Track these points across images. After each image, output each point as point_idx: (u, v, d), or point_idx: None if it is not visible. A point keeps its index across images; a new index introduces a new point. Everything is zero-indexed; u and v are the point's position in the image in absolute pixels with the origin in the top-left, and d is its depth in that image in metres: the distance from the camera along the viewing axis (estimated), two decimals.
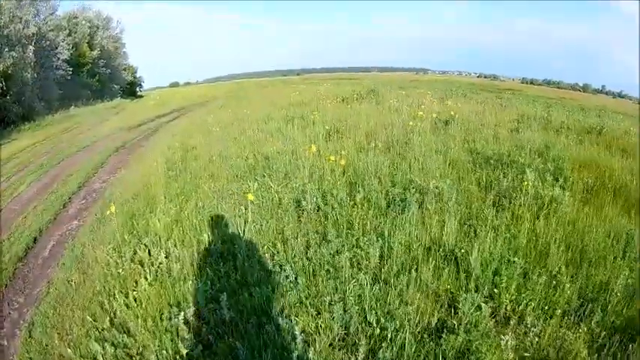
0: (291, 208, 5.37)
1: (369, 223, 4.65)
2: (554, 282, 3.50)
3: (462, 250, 3.96)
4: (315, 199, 5.32)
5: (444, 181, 5.42)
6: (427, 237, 4.33)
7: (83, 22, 37.20)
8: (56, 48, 29.75)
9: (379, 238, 4.21)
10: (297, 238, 4.50)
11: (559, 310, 3.23)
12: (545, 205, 4.94)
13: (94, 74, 38.51)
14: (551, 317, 3.19)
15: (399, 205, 4.98)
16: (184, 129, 15.12)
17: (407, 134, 8.55)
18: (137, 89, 54.23)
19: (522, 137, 8.88)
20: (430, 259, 3.87)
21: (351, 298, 3.41)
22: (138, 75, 54.78)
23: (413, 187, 5.35)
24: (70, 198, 8.68)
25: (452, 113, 10.73)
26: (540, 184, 5.43)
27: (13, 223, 7.29)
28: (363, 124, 9.75)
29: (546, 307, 3.28)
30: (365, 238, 4.22)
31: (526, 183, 5.25)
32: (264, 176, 6.58)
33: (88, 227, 6.77)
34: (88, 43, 37.52)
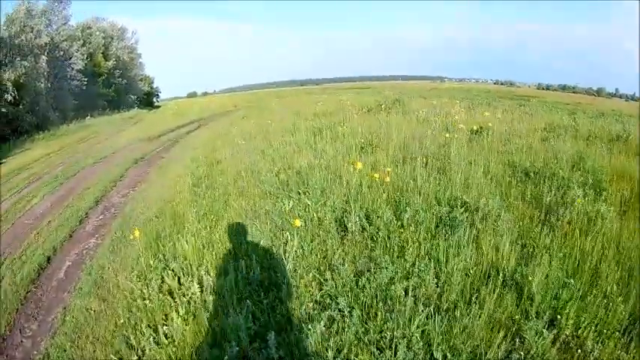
0: (333, 229, 4.82)
1: (421, 246, 4.17)
2: (609, 302, 3.31)
3: (522, 274, 3.69)
4: (359, 219, 4.78)
5: (493, 198, 5.09)
6: (484, 260, 3.97)
7: (97, 32, 37.27)
8: (70, 58, 29.76)
9: (434, 263, 3.84)
10: (344, 264, 3.99)
11: (616, 333, 3.09)
12: (592, 221, 4.69)
13: (110, 85, 38.54)
14: (608, 339, 3.03)
15: (448, 225, 4.55)
16: (207, 141, 14.64)
17: (443, 146, 8.19)
18: (154, 99, 54.22)
19: (555, 147, 8.47)
20: (490, 284, 3.56)
21: (415, 333, 3.04)
22: (155, 85, 54.76)
23: (460, 205, 4.98)
24: (86, 213, 8.08)
25: (487, 124, 10.09)
26: (584, 198, 5.22)
27: (26, 239, 6.75)
28: (396, 136, 9.23)
29: (603, 329, 3.12)
30: (421, 264, 3.80)
31: (579, 200, 5.04)
32: (299, 193, 6.00)
33: (108, 247, 6.20)
34: (102, 53, 37.56)
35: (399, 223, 4.64)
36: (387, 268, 3.77)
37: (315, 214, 5.19)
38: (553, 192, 5.47)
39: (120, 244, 6.19)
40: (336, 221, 4.97)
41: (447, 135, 8.55)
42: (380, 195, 5.48)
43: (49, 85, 26.08)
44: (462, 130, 9.37)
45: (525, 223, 4.73)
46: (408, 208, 4.87)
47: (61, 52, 28.59)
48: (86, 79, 31.18)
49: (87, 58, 32.28)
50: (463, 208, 4.87)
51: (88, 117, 28.46)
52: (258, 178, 7.26)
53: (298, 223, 4.35)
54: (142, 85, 48.47)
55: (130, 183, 10.43)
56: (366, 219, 4.82)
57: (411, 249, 4.11)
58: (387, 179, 5.47)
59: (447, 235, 4.38)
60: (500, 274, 3.68)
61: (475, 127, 9.95)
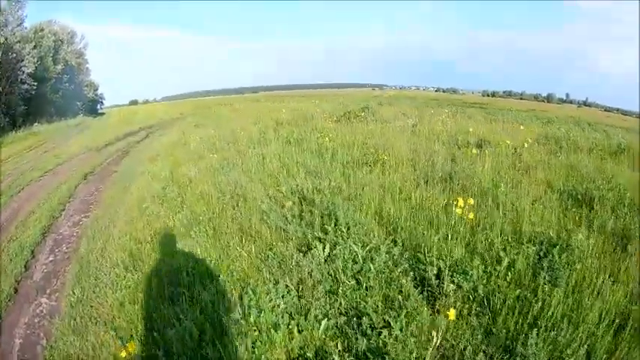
0: (413, 291, 3.37)
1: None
2: None
3: None
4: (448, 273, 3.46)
5: (576, 232, 4.26)
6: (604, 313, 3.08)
7: (49, 34, 34.04)
8: (22, 61, 26.72)
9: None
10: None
11: None
12: None
13: (57, 90, 35.31)
14: None
15: (545, 272, 3.57)
16: (163, 152, 12.62)
17: (458, 162, 7.47)
18: (98, 106, 51.05)
19: (574, 163, 7.91)
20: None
21: None
22: (99, 92, 51.57)
23: (546, 242, 4.03)
24: (32, 252, 6.04)
25: (484, 135, 10.10)
26: None
27: None
28: (396, 150, 8.24)
29: None
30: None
31: None
32: (326, 232, 4.34)
33: (67, 317, 4.20)
34: (52, 57, 34.38)
35: (495, 273, 3.58)
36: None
37: (371, 266, 3.63)
38: (619, 217, 4.99)
39: (80, 307, 4.27)
40: (413, 279, 3.58)
41: (473, 151, 7.78)
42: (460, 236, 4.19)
43: (0, 89, 23.52)
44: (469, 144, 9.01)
45: (610, 257, 4.05)
46: (503, 253, 3.79)
47: (14, 54, 25.65)
48: (36, 84, 28.33)
49: (37, 61, 29.26)
50: (545, 244, 3.98)
51: (36, 123, 25.88)
52: (256, 206, 5.54)
53: (452, 315, 2.62)
54: (87, 92, 45.28)
55: (81, 206, 8.46)
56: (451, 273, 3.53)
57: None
58: (471, 216, 4.07)
59: (546, 285, 3.44)
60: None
61: (469, 138, 9.75)
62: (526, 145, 9.22)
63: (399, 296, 3.28)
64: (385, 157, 7.52)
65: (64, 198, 8.89)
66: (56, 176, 11.17)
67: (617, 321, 3.04)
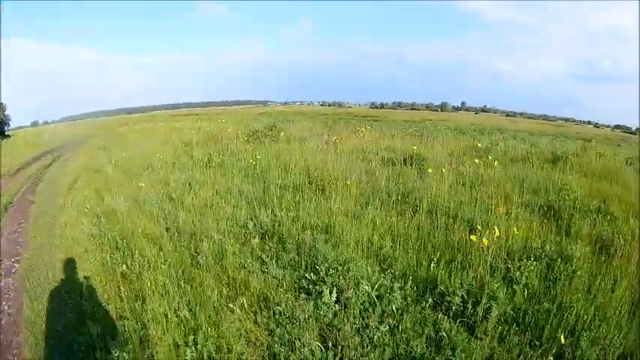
0: (453, 324, 3.86)
1: None
2: None
3: None
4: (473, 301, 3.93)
5: (569, 243, 5.42)
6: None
7: None
8: None
9: None
10: None
11: None
12: None
13: None
14: None
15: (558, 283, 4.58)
16: (80, 180, 12.23)
17: (402, 180, 8.45)
18: (5, 128, 48.31)
19: (519, 174, 9.22)
20: None
21: None
22: (6, 113, 48.85)
23: (537, 256, 5.00)
24: None
25: (413, 150, 10.86)
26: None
27: None
28: (332, 169, 8.78)
29: None
30: None
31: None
32: (317, 273, 4.62)
33: None
34: None
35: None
36: None
37: (393, 306, 4.02)
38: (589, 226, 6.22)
39: None
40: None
41: (430, 170, 8.48)
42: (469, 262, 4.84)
43: None
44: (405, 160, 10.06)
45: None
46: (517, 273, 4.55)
47: None
48: None
49: None
50: (549, 259, 4.95)
51: None
52: (217, 246, 5.60)
53: None
54: None
55: (9, 247, 7.60)
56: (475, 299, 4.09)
57: None
58: (485, 242, 4.65)
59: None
60: None
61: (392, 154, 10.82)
62: (459, 158, 10.37)
63: (444, 333, 3.72)
64: (325, 179, 8.06)
65: None
66: None
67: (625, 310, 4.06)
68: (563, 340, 3.50)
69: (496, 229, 4.82)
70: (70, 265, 6.11)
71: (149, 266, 5.32)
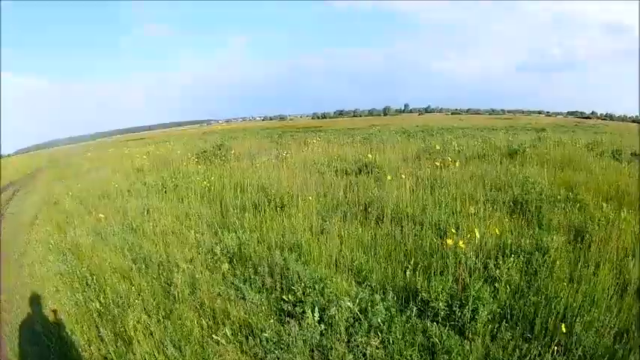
0: (443, 329, 4.01)
1: None
2: None
3: None
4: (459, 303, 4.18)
5: (545, 235, 5.66)
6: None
7: None
8: None
9: None
10: None
11: None
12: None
13: None
14: None
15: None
16: (41, 214, 11.90)
17: (361, 189, 8.59)
18: None
19: (476, 172, 9.72)
20: None
21: None
22: None
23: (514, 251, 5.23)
24: None
25: (368, 157, 11.29)
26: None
27: None
28: (287, 184, 9.16)
29: None
30: None
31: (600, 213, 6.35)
32: (294, 293, 4.63)
33: None
34: None
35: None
36: None
37: (378, 319, 4.08)
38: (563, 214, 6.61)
39: None
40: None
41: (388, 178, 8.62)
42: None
43: None
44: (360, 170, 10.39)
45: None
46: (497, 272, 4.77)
47: None
48: None
49: None
50: (526, 253, 5.17)
51: None
52: (187, 276, 5.50)
53: None
54: None
55: None
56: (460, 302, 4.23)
57: None
58: (461, 244, 4.80)
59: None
60: None
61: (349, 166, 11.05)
62: (414, 162, 10.63)
63: (436, 339, 3.82)
64: (283, 196, 8.14)
65: None
66: None
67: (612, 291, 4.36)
68: (564, 330, 3.64)
69: (476, 231, 4.98)
70: (43, 306, 5.98)
71: (123, 303, 5.20)
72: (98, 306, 5.27)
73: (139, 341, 4.31)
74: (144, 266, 6.11)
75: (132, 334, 4.44)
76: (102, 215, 8.89)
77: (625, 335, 3.80)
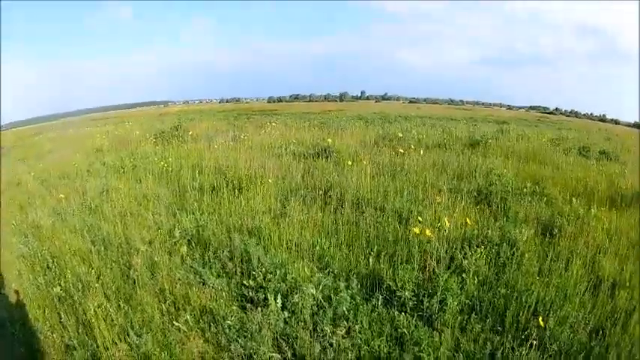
0: (411, 320, 3.90)
1: None
2: None
3: None
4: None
5: (513, 228, 5.62)
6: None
7: None
8: None
9: None
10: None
11: None
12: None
13: None
14: None
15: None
16: (3, 196, 11.24)
17: (319, 173, 8.49)
18: None
19: (437, 161, 9.59)
20: None
21: None
22: None
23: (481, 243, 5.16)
24: None
25: (327, 141, 10.98)
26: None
27: None
28: (245, 167, 8.84)
29: None
30: None
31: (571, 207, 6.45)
32: (254, 279, 4.45)
33: None
34: None
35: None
36: None
37: (343, 308, 3.94)
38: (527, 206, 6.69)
39: None
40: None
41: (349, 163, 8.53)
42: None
43: None
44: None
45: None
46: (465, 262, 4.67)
47: None
48: None
49: None
50: (493, 244, 5.13)
51: None
52: (153, 263, 5.25)
53: None
54: None
55: None
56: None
57: None
58: (428, 232, 4.76)
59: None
60: None
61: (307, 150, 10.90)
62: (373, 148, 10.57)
63: (404, 330, 3.70)
64: (242, 178, 7.94)
65: None
66: None
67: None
68: (542, 324, 3.58)
69: (445, 220, 4.94)
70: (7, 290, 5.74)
71: (83, 287, 4.95)
72: (59, 290, 5.02)
73: (100, 328, 4.12)
74: (103, 248, 5.87)
75: (93, 320, 4.24)
76: (62, 195, 8.60)
77: (601, 332, 3.77)
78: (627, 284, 4.57)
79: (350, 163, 8.42)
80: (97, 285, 4.94)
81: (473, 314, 3.89)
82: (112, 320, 4.27)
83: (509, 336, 3.66)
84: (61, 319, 4.49)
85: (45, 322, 4.57)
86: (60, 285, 5.12)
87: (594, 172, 8.91)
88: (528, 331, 3.65)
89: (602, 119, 31.09)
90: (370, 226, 5.84)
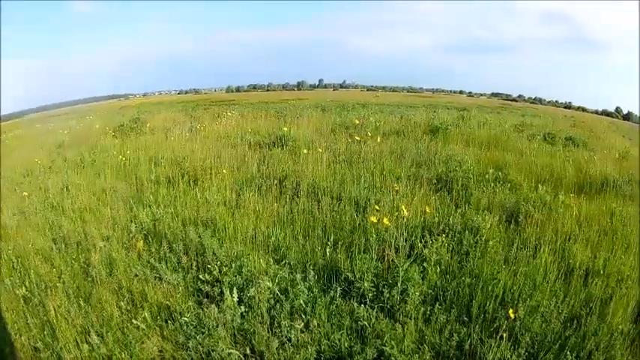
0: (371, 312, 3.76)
1: None
2: None
3: None
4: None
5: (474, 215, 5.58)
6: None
7: None
8: None
9: None
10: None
11: None
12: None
13: None
14: None
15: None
16: None
17: (275, 163, 8.34)
18: None
19: (400, 147, 9.70)
20: None
21: None
22: None
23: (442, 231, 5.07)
24: None
25: (284, 130, 11.05)
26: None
27: None
28: (201, 158, 8.78)
29: None
30: None
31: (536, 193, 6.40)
32: (210, 273, 4.25)
33: None
34: None
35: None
36: None
37: (300, 300, 3.77)
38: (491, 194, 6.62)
39: None
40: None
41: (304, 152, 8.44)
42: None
43: None
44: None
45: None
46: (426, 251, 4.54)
47: None
48: None
49: None
50: (455, 232, 5.09)
51: None
52: (111, 260, 5.03)
53: None
54: None
55: None
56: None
57: None
58: (386, 221, 4.69)
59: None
60: None
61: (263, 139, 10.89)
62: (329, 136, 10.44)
63: (365, 322, 3.56)
64: (197, 169, 7.84)
65: None
66: None
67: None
68: (512, 315, 3.47)
69: (403, 208, 4.81)
70: None
71: (45, 286, 4.75)
72: (24, 291, 4.78)
73: (61, 329, 3.96)
74: (63, 246, 5.64)
75: (54, 321, 4.08)
76: (25, 193, 8.32)
77: (576, 321, 3.69)
78: (601, 272, 4.50)
79: (305, 151, 8.29)
80: (58, 284, 4.74)
81: (437, 305, 3.77)
82: (73, 320, 4.09)
83: (477, 326, 3.53)
84: (27, 320, 4.28)
85: (13, 324, 4.35)
86: (25, 286, 4.91)
87: (561, 159, 9.00)
88: (497, 321, 3.54)
89: (568, 106, 31.47)
90: (326, 216, 5.76)
